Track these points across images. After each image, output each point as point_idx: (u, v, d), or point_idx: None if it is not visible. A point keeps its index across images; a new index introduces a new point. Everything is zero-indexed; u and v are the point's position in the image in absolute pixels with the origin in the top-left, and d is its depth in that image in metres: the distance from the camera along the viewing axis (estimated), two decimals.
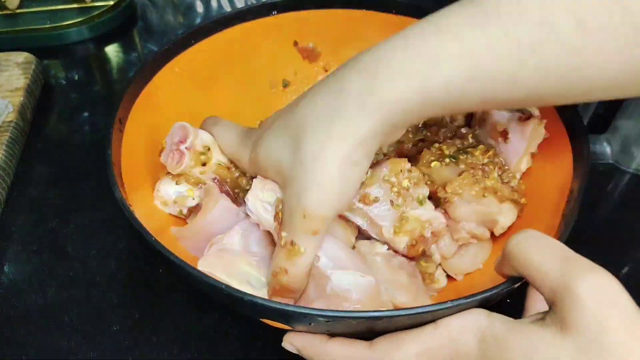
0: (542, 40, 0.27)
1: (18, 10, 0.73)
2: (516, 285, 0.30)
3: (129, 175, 0.40)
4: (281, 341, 0.36)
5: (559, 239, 0.34)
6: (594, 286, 0.25)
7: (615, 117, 0.55)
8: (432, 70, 0.29)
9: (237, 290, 0.30)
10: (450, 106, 0.30)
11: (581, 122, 0.40)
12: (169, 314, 0.44)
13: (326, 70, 0.56)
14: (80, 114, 0.64)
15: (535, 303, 0.35)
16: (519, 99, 0.30)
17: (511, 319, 0.28)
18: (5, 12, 0.73)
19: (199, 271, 0.31)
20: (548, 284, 0.26)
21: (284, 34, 0.54)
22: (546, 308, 0.36)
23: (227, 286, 0.30)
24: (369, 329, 0.30)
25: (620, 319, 0.24)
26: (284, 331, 0.34)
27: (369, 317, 0.29)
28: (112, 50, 0.73)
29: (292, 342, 0.33)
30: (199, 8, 0.80)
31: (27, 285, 0.46)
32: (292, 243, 0.33)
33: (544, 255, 0.27)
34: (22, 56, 0.65)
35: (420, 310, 0.29)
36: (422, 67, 0.29)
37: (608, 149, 0.56)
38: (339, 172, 0.31)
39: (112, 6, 0.74)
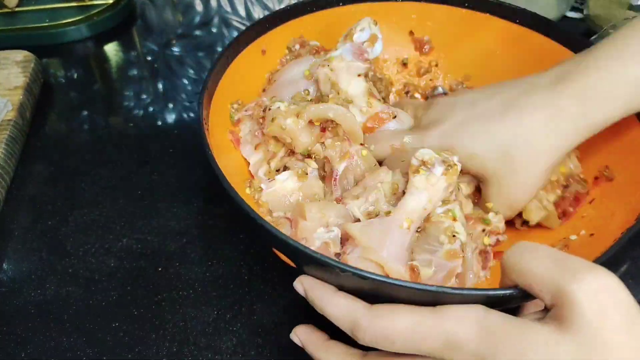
0: None
1: (17, 9, 0.73)
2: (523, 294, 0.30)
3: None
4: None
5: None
6: (592, 286, 0.25)
7: None
8: (633, 95, 0.36)
9: (259, 217, 0.33)
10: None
11: None
12: (168, 311, 0.44)
13: (436, 65, 0.57)
14: (80, 112, 0.64)
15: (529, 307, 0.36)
16: None
17: (510, 315, 0.28)
18: (4, 10, 0.73)
19: (236, 193, 0.34)
20: (546, 290, 0.26)
21: (402, 20, 0.55)
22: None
23: (252, 211, 0.33)
24: (371, 290, 0.31)
25: (619, 317, 0.24)
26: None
27: (363, 277, 0.30)
28: (111, 49, 0.73)
29: (302, 281, 0.34)
30: (198, 7, 0.80)
31: (26, 283, 0.46)
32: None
33: (539, 263, 0.27)
34: (21, 54, 0.65)
35: (422, 287, 0.29)
36: (625, 92, 0.36)
37: None
38: (544, 177, 0.40)
39: (111, 5, 0.75)
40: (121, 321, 0.44)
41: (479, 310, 0.28)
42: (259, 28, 0.51)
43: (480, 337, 0.27)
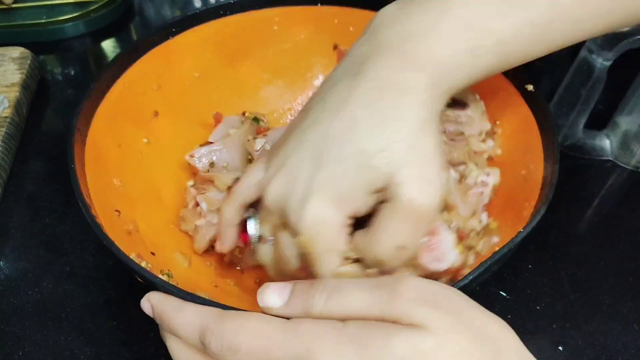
0: (552, 19, 0.33)
1: (14, 5, 0.73)
2: None
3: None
4: None
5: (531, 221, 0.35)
6: (409, 298, 0.25)
7: (614, 114, 0.55)
8: (472, 60, 0.33)
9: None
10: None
11: (550, 116, 0.42)
12: None
13: None
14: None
15: None
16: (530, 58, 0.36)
17: (369, 322, 0.26)
18: (1, 6, 0.72)
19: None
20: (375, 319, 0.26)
21: (323, 25, 0.53)
22: None
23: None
24: None
25: (443, 312, 0.25)
26: None
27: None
28: (108, 46, 0.73)
29: (149, 298, 0.31)
30: (197, 3, 0.80)
31: (23, 281, 0.46)
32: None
33: (354, 300, 0.26)
34: (17, 51, 0.64)
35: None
36: (464, 61, 0.33)
37: (607, 145, 0.56)
38: (433, 137, 0.32)
39: (109, 1, 0.74)
40: (119, 320, 0.43)
41: (335, 323, 0.26)
42: (163, 32, 0.49)
43: (341, 348, 0.25)
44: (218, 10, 0.51)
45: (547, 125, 0.41)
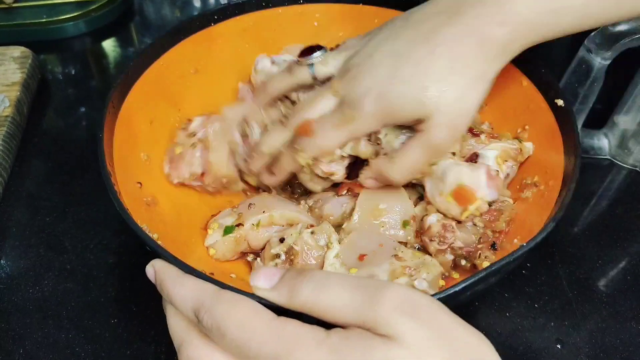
0: None
1: (15, 4, 0.73)
2: None
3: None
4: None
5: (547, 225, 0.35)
6: (392, 303, 0.25)
7: (613, 112, 0.55)
8: (555, 20, 0.37)
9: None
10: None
11: (572, 118, 0.41)
12: None
13: None
14: (77, 108, 0.63)
15: None
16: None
17: (351, 331, 0.26)
18: (1, 6, 0.72)
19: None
20: (353, 323, 0.26)
21: (362, 23, 0.53)
22: None
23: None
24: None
25: (424, 320, 0.25)
26: None
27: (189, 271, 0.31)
28: (109, 45, 0.73)
29: (154, 264, 0.33)
30: (196, 2, 0.80)
31: (24, 279, 0.46)
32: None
33: (335, 298, 0.27)
34: (18, 50, 0.65)
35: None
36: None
37: (606, 144, 0.56)
38: (479, 95, 0.39)
39: (109, 0, 0.74)
40: (120, 318, 0.44)
41: (319, 331, 0.26)
42: (205, 19, 0.50)
43: (319, 356, 0.25)
44: (260, 2, 0.52)
45: (572, 144, 0.41)
